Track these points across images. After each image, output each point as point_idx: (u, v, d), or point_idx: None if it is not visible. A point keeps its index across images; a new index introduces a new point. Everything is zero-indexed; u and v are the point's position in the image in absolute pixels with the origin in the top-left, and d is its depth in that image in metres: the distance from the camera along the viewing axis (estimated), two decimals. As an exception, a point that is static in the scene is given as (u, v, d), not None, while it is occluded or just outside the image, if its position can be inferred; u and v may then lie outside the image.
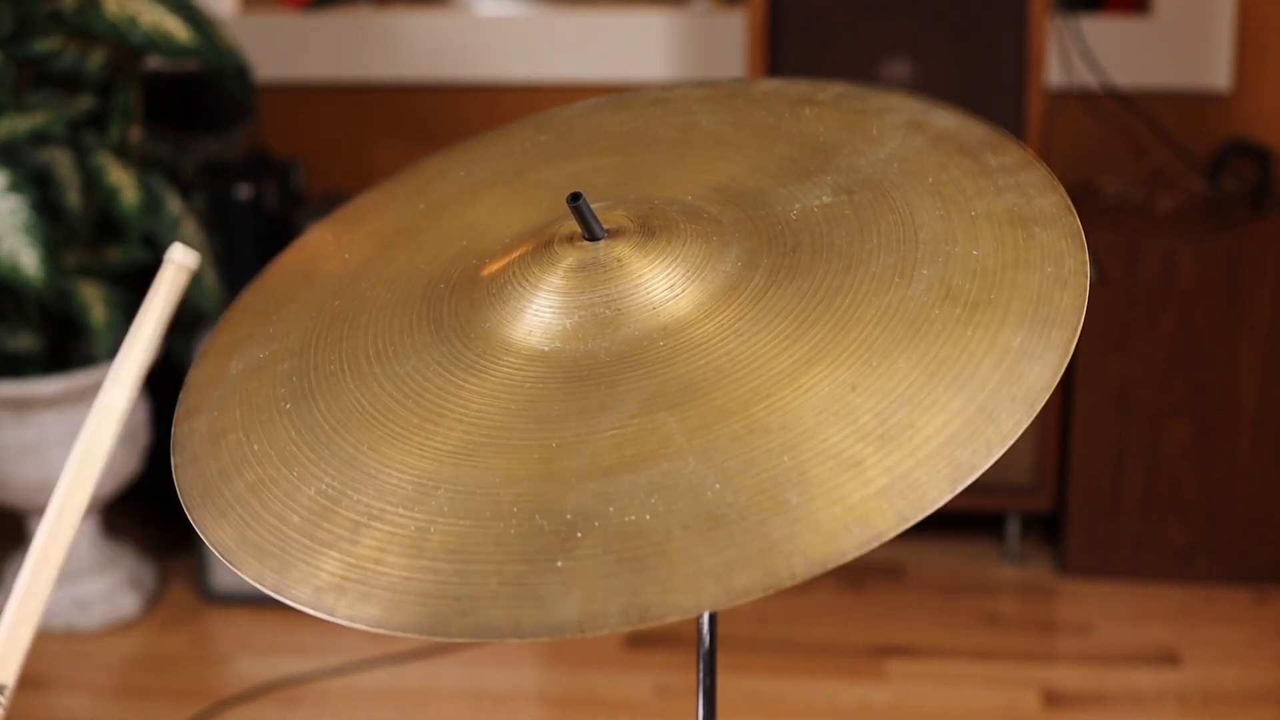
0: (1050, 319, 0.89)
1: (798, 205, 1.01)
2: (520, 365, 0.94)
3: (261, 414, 0.98)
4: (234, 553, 0.90)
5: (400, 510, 0.87)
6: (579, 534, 0.83)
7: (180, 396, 1.04)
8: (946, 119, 1.07)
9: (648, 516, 0.82)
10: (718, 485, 0.83)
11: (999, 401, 0.85)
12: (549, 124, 1.22)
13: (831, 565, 0.79)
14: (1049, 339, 0.88)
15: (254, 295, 1.12)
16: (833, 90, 1.13)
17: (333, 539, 0.87)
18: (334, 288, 1.08)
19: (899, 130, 1.07)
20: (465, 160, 1.20)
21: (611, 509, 0.83)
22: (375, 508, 0.88)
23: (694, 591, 0.79)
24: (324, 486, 0.91)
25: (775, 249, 0.97)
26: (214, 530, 0.92)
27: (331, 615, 0.84)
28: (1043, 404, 0.85)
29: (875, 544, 0.80)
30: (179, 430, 1.01)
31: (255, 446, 0.95)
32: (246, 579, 0.88)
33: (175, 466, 0.98)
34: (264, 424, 0.97)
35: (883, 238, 0.97)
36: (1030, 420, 0.84)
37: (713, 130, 1.13)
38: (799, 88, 1.16)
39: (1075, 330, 0.89)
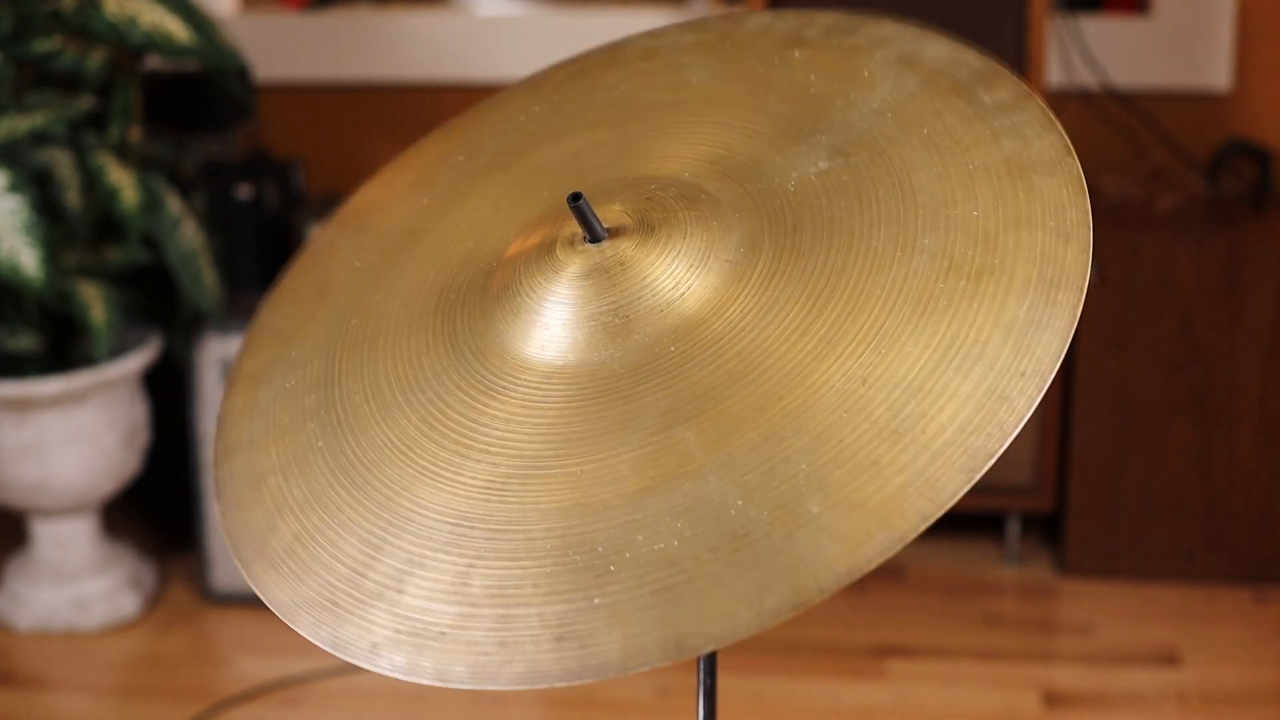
0: (1055, 281, 0.88)
1: (795, 174, 0.99)
2: (537, 383, 0.94)
3: (296, 453, 0.99)
4: (291, 610, 0.90)
5: (440, 555, 0.88)
6: (612, 567, 0.83)
7: (216, 433, 1.05)
8: (938, 49, 1.04)
9: (675, 543, 0.83)
10: (740, 502, 0.83)
11: (1009, 379, 0.85)
12: (542, 90, 1.20)
13: (858, 575, 0.79)
14: (1055, 303, 0.87)
15: (272, 313, 1.13)
16: (821, 23, 1.10)
17: (379, 589, 0.88)
18: (348, 303, 1.08)
19: (890, 68, 1.04)
20: (463, 140, 1.19)
21: (640, 538, 0.84)
22: (415, 554, 0.89)
23: (728, 620, 0.79)
24: (365, 534, 0.91)
25: (776, 229, 0.96)
26: (270, 587, 0.93)
27: (392, 671, 0.85)
28: (1053, 375, 0.84)
29: (899, 547, 0.79)
30: (219, 473, 1.02)
31: (295, 491, 0.96)
32: (306, 637, 0.89)
33: (221, 514, 0.99)
34: (300, 465, 0.98)
35: (882, 205, 0.95)
36: (1041, 395, 0.83)
37: (704, 88, 1.10)
38: (786, 23, 1.12)
39: (1081, 291, 0.87)
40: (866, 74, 1.05)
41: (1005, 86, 1.00)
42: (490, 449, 0.92)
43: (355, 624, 0.88)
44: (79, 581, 2.71)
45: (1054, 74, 2.89)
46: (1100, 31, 2.93)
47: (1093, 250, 0.91)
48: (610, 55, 1.20)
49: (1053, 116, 0.97)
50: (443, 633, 0.85)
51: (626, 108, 1.13)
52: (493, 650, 0.83)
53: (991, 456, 0.82)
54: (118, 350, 2.68)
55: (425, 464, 0.93)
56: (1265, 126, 2.96)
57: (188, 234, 2.65)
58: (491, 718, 2.43)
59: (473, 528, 0.89)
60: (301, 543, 0.93)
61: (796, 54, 1.09)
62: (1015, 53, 2.61)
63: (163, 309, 2.80)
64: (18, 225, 2.38)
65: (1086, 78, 2.92)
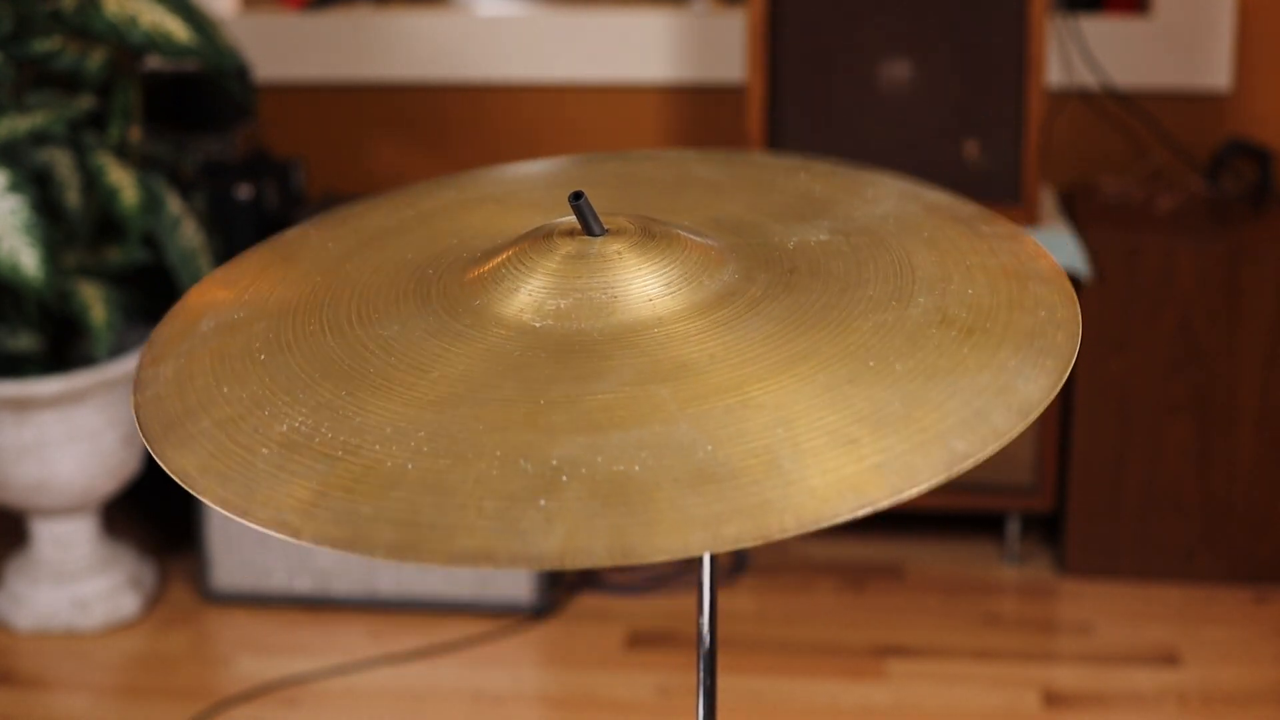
0: (1045, 350, 0.91)
1: (795, 239, 1.02)
2: (510, 337, 0.93)
3: (233, 363, 0.96)
4: (195, 479, 0.88)
5: (377, 447, 0.86)
6: (564, 478, 0.82)
7: (144, 349, 1.03)
8: (938, 196, 1.10)
9: (636, 468, 0.82)
10: (710, 447, 0.83)
11: (995, 408, 0.86)
12: (540, 167, 1.24)
13: (824, 524, 0.78)
14: (1043, 366, 0.89)
15: (228, 271, 1.12)
16: (824, 166, 1.16)
17: (304, 470, 0.86)
18: (316, 266, 1.08)
19: (893, 196, 1.09)
20: (456, 185, 1.21)
21: (599, 459, 0.83)
22: (351, 444, 0.87)
23: (681, 536, 0.78)
24: (298, 424, 0.89)
25: (772, 268, 0.98)
26: (174, 459, 0.90)
27: (296, 537, 0.82)
28: (1038, 414, 0.86)
29: (867, 510, 0.79)
30: (143, 374, 0.99)
31: (225, 389, 0.94)
32: (208, 503, 0.86)
33: (136, 405, 0.96)
34: (236, 371, 0.95)
35: (879, 271, 0.98)
36: (1025, 426, 0.85)
37: (707, 179, 1.15)
38: (791, 161, 1.18)
39: (1069, 364, 0.90)
40: (870, 193, 1.09)
41: (1002, 224, 1.06)
42: (450, 376, 0.91)
43: (266, 493, 0.85)
44: (79, 581, 2.71)
45: (1054, 74, 2.89)
46: (1100, 31, 2.93)
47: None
48: (616, 156, 1.24)
49: (1045, 250, 1.02)
50: (367, 511, 0.82)
51: (629, 181, 1.17)
52: (421, 530, 0.81)
53: (970, 459, 0.82)
54: (118, 350, 2.68)
55: (377, 380, 0.91)
56: (1265, 126, 2.96)
57: (188, 234, 2.65)
58: (492, 717, 2.43)
59: (419, 430, 0.87)
60: (223, 428, 0.90)
61: (802, 175, 1.14)
62: (1015, 53, 2.61)
63: (163, 309, 2.80)
64: (18, 225, 2.38)
65: (1086, 78, 2.92)
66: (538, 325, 0.94)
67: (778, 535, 0.78)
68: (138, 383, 0.98)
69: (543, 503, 0.81)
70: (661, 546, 0.78)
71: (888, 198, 1.08)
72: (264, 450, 0.88)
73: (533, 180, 1.20)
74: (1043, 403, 0.86)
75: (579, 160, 1.25)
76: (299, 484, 0.85)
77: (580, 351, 0.91)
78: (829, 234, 1.02)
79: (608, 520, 0.79)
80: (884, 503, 0.80)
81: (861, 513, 0.79)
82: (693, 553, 0.78)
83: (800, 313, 0.93)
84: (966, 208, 1.08)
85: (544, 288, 0.95)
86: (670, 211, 1.07)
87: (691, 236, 1.00)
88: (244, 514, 0.85)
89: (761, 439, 0.83)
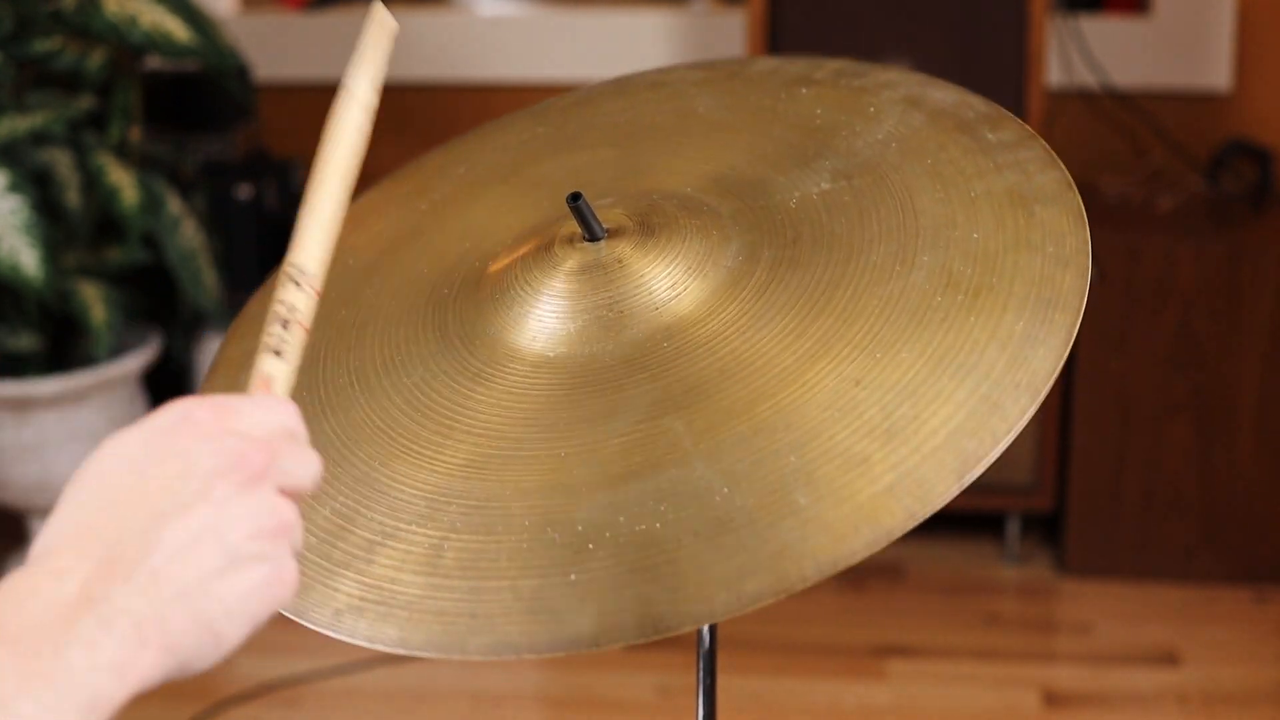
0: (1053, 301, 0.88)
1: (797, 193, 1.00)
2: (526, 373, 0.94)
3: None
4: None
5: (414, 528, 0.87)
6: (590, 545, 0.82)
7: None
8: (944, 93, 1.06)
9: (658, 525, 0.82)
10: (726, 489, 0.83)
11: (1003, 389, 0.85)
12: (546, 115, 1.21)
13: (842, 566, 0.78)
14: (1052, 322, 0.87)
15: (260, 305, 1.12)
16: (830, 67, 1.12)
17: (348, 559, 0.87)
18: (340, 296, 1.08)
19: (896, 107, 1.05)
20: (464, 155, 1.20)
21: (622, 519, 0.83)
22: (389, 526, 0.88)
23: (705, 601, 0.79)
24: (338, 505, 0.90)
25: (775, 241, 0.96)
26: None
27: (352, 638, 0.84)
28: (1047, 390, 0.84)
29: (885, 542, 0.79)
30: None
31: None
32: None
33: None
34: None
35: (883, 224, 0.96)
36: (1035, 407, 0.83)
37: (710, 116, 1.12)
38: (796, 66, 1.14)
39: (1078, 312, 0.88)
40: (872, 110, 1.06)
41: (1009, 128, 1.02)
42: (473, 430, 0.92)
43: (320, 591, 0.86)
44: (79, 581, 2.71)
45: (1054, 74, 2.89)
46: (1100, 31, 2.93)
47: (1092, 257, 0.91)
48: (616, 86, 1.21)
49: (1055, 156, 0.98)
50: (410, 602, 0.84)
51: (630, 130, 1.14)
52: (461, 621, 0.82)
53: (983, 460, 0.81)
54: (118, 350, 2.68)
55: (406, 442, 0.93)
56: (1265, 126, 2.96)
57: (188, 234, 2.65)
58: (492, 717, 2.43)
59: (449, 503, 0.88)
60: None
61: (804, 91, 1.10)
62: (1015, 53, 2.61)
63: (163, 309, 2.80)
64: (18, 225, 2.38)
65: (1086, 78, 2.92)
66: (551, 355, 0.94)
67: (799, 586, 0.78)
68: None
69: (573, 576, 0.81)
70: (688, 613, 0.79)
71: (890, 111, 1.05)
72: (311, 539, 0.89)
73: (537, 142, 1.18)
74: (1052, 372, 0.84)
75: (578, 99, 1.22)
76: (346, 577, 0.86)
77: (594, 382, 0.91)
78: (831, 179, 1.00)
79: (635, 590, 0.80)
80: (899, 531, 0.79)
81: (878, 547, 0.79)
82: (718, 618, 0.79)
83: (805, 296, 0.92)
84: (974, 108, 1.04)
85: (553, 312, 0.95)
86: (672, 171, 1.06)
87: (692, 220, 0.98)
88: (300, 614, 0.86)
89: (775, 470, 0.83)
